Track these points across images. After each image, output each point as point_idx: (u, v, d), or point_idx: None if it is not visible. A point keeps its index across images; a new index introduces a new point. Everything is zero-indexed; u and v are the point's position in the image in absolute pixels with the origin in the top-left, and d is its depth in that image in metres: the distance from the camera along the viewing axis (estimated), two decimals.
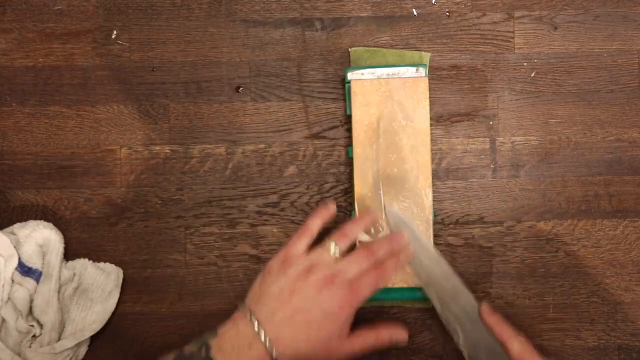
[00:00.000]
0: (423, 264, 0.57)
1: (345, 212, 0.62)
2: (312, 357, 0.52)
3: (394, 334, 0.55)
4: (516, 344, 0.53)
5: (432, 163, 0.60)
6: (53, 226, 0.61)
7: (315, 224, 0.56)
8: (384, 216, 0.59)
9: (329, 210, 0.57)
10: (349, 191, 0.63)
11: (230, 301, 0.62)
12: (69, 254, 0.62)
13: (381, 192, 0.59)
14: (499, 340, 0.54)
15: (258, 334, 0.50)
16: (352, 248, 0.57)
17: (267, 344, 0.50)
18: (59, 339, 0.59)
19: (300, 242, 0.55)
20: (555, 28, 0.63)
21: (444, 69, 0.63)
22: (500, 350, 0.54)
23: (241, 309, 0.53)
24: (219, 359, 0.50)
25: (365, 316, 0.62)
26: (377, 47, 0.63)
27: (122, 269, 0.62)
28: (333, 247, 0.55)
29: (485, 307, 0.56)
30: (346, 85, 0.60)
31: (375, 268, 0.55)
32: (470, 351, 0.57)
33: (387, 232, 0.59)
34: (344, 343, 0.53)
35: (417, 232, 0.58)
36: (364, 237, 0.58)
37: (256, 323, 0.51)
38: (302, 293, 0.52)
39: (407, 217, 0.58)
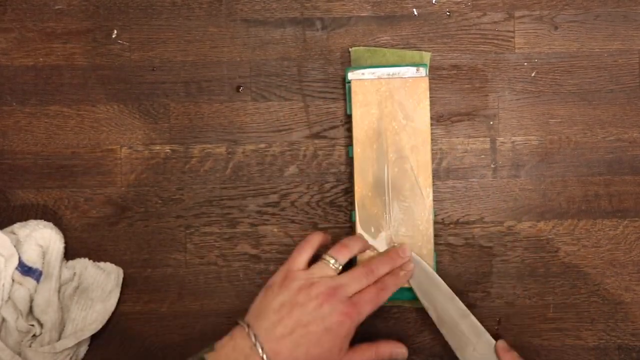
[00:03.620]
0: (437, 300, 0.58)
1: (346, 212, 0.62)
2: None
3: (393, 349, 0.55)
4: None
5: (432, 163, 0.60)
6: (53, 226, 0.61)
7: (315, 238, 0.56)
8: (387, 216, 0.59)
9: (327, 235, 0.58)
10: (349, 191, 0.63)
11: (230, 301, 0.62)
12: (69, 254, 0.62)
13: (385, 193, 0.59)
14: None
15: (255, 347, 0.50)
16: (350, 263, 0.57)
17: (265, 357, 0.50)
18: (59, 339, 0.59)
19: (301, 257, 0.55)
20: (556, 28, 0.63)
21: (445, 68, 0.63)
22: None
23: (240, 323, 0.53)
24: None
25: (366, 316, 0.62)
26: (378, 46, 0.63)
27: (123, 268, 0.62)
28: (333, 262, 0.55)
29: (501, 344, 0.56)
30: (347, 85, 0.60)
31: (376, 284, 0.55)
32: None
33: (388, 234, 0.59)
34: (343, 358, 0.53)
35: (427, 267, 0.58)
36: (364, 237, 0.58)
37: (253, 337, 0.51)
38: (303, 307, 0.52)
39: (416, 255, 0.58)
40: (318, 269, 0.55)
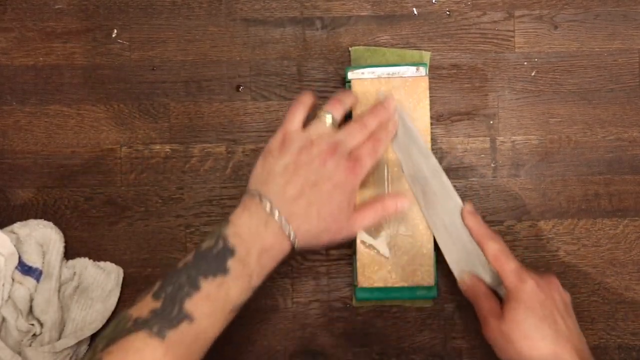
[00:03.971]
0: (412, 156, 0.58)
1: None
2: (324, 232, 0.52)
3: (398, 202, 0.55)
4: (493, 245, 0.54)
5: None
6: (53, 225, 0.61)
7: (307, 97, 0.56)
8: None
9: (315, 95, 0.57)
10: None
11: None
12: (69, 253, 0.62)
13: (385, 193, 0.59)
14: (477, 240, 0.55)
15: (272, 213, 0.50)
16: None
17: (282, 222, 0.50)
18: (59, 338, 0.59)
19: (296, 118, 0.55)
20: (556, 27, 0.63)
21: (444, 68, 0.63)
22: (478, 252, 0.55)
23: (248, 193, 0.52)
24: (237, 246, 0.49)
25: (366, 316, 0.62)
26: (378, 46, 0.63)
27: (123, 268, 0.62)
28: (329, 118, 0.54)
29: (468, 207, 0.57)
30: (346, 84, 0.60)
31: (370, 138, 0.55)
32: (451, 252, 0.57)
33: (387, 233, 0.59)
34: (353, 216, 0.53)
35: (409, 122, 0.58)
36: (364, 237, 0.58)
37: (268, 203, 0.50)
38: (307, 166, 0.52)
39: (399, 106, 0.58)
40: (315, 127, 0.54)
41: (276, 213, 0.50)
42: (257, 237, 0.50)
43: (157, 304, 0.47)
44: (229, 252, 0.49)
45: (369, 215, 0.54)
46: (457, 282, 0.56)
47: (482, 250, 0.54)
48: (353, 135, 0.55)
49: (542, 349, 0.50)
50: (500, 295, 0.55)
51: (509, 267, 0.53)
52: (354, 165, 0.53)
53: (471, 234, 0.56)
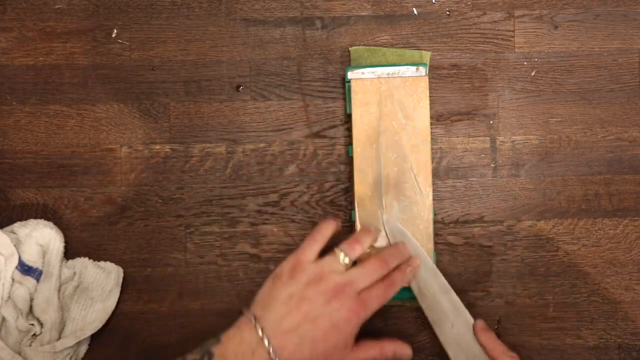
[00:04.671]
0: (420, 274, 0.57)
1: (346, 212, 0.62)
2: None
3: (398, 349, 0.55)
4: None
5: (432, 162, 0.60)
6: (53, 225, 0.61)
7: (327, 228, 0.56)
8: (382, 221, 0.59)
9: (338, 223, 0.57)
10: (349, 190, 0.63)
11: (230, 300, 0.62)
12: (69, 253, 0.62)
13: (382, 193, 0.59)
14: (492, 358, 0.54)
15: (262, 341, 0.50)
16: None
17: (271, 351, 0.50)
18: (59, 338, 0.59)
19: (312, 249, 0.54)
20: (556, 27, 0.63)
21: (444, 68, 0.63)
22: None
23: (246, 314, 0.52)
24: None
25: None
26: (378, 46, 0.63)
27: (123, 267, 0.62)
28: (342, 257, 0.54)
29: (480, 323, 0.56)
30: (346, 84, 0.60)
31: (383, 280, 0.54)
32: None
33: (388, 238, 0.59)
34: (348, 355, 0.53)
35: (415, 242, 0.58)
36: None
37: (260, 330, 0.51)
38: (311, 301, 0.52)
39: (404, 228, 0.58)
40: (327, 263, 0.54)
41: (266, 342, 0.50)
42: None
43: None
44: None
45: (364, 356, 0.54)
46: None
47: None
48: (368, 275, 0.54)
49: None
50: None
51: None
52: (359, 308, 0.52)
53: (486, 352, 0.55)
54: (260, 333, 0.50)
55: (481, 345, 0.55)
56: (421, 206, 0.59)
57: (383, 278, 0.55)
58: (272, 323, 0.51)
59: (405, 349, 0.55)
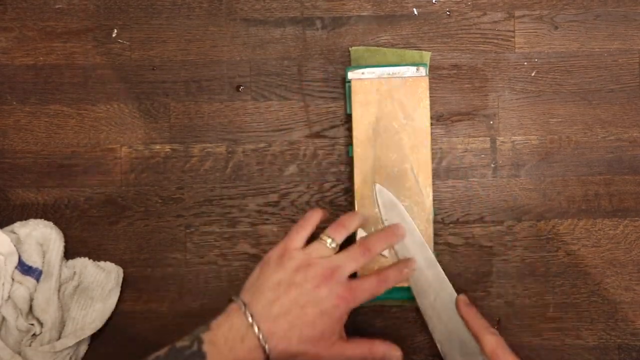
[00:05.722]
0: (407, 247, 0.58)
1: (346, 212, 0.62)
2: (302, 355, 0.52)
3: (388, 350, 0.55)
4: (490, 338, 0.53)
5: (432, 162, 0.60)
6: (53, 225, 0.61)
7: (314, 216, 0.56)
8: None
9: (325, 212, 0.58)
10: (349, 190, 0.63)
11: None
12: (69, 253, 0.62)
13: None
14: (473, 333, 0.54)
15: (252, 327, 0.50)
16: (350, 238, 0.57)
17: (261, 337, 0.50)
18: (59, 338, 0.59)
19: (299, 236, 0.55)
20: (556, 27, 0.63)
21: (445, 68, 0.63)
22: (474, 344, 0.54)
23: (236, 301, 0.53)
24: (210, 353, 0.49)
25: (366, 316, 0.62)
26: (378, 46, 0.63)
27: (123, 267, 0.62)
28: (330, 242, 0.55)
29: (462, 298, 0.56)
30: (347, 84, 0.60)
31: (378, 274, 0.55)
32: (444, 343, 0.57)
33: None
34: (335, 344, 0.53)
35: (405, 213, 0.58)
36: (362, 233, 0.58)
37: (250, 317, 0.51)
38: (300, 287, 0.52)
39: (396, 199, 0.58)
40: (315, 248, 0.54)
41: (256, 328, 0.50)
42: (231, 350, 0.50)
43: None
44: (200, 357, 0.49)
45: (352, 350, 0.54)
46: None
47: (479, 342, 0.53)
48: (354, 259, 0.54)
49: None
50: None
51: None
52: (347, 295, 0.52)
53: (467, 326, 0.55)
54: (249, 319, 0.51)
55: (462, 318, 0.55)
56: (421, 206, 0.59)
57: (377, 272, 0.55)
58: (262, 309, 0.51)
59: (395, 352, 0.55)
